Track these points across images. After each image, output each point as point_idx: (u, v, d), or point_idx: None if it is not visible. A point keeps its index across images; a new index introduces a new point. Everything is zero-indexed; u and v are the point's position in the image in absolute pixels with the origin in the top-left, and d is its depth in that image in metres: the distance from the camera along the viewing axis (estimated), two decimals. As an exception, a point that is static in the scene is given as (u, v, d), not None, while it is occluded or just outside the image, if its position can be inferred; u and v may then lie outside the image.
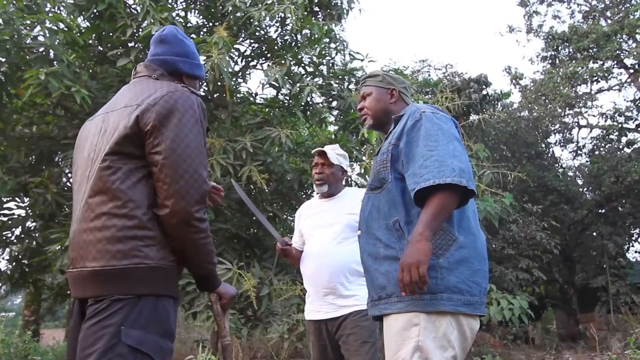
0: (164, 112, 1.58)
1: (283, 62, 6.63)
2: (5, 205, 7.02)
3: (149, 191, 1.58)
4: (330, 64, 7.51)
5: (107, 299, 1.50)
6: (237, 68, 7.58)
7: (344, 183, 3.10)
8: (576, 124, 16.10)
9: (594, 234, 15.26)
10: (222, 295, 1.85)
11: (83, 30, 6.68)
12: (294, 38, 7.37)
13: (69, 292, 7.14)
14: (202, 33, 7.14)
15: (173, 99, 1.61)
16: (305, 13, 6.87)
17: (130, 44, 6.48)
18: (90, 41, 6.98)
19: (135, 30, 6.13)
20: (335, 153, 2.98)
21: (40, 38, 5.76)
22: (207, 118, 1.75)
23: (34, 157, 7.02)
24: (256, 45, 7.59)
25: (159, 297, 1.57)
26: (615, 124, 15.10)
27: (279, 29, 7.38)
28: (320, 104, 7.41)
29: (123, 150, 1.57)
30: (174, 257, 1.62)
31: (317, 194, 3.04)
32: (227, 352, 1.91)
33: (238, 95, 7.54)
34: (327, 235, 2.81)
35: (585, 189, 15.67)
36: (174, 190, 1.55)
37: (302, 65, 7.22)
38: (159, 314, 1.55)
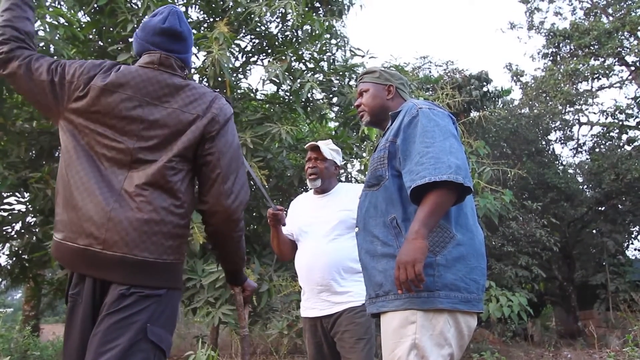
0: (222, 121, 1.77)
1: (284, 58, 6.62)
2: (5, 201, 7.01)
3: (194, 194, 1.76)
4: (331, 60, 7.49)
5: (136, 294, 1.57)
6: (237, 64, 7.57)
7: (343, 179, 3.09)
8: (577, 121, 16.08)
9: (594, 231, 15.27)
10: (245, 288, 1.99)
11: (83, 25, 6.67)
12: (295, 34, 7.36)
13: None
14: (202, 28, 7.14)
15: (228, 109, 1.81)
16: (306, 9, 6.85)
17: (130, 39, 6.45)
18: (91, 36, 6.97)
19: (135, 25, 6.12)
20: (328, 148, 2.97)
21: (41, 33, 5.74)
22: None
23: (34, 152, 7.00)
24: (257, 40, 7.58)
25: (180, 290, 1.72)
26: (616, 121, 15.09)
27: (280, 25, 7.38)
28: (320, 100, 7.39)
29: (186, 155, 1.71)
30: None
31: (311, 189, 3.03)
32: (245, 342, 2.07)
33: (238, 91, 7.53)
34: (321, 232, 2.79)
35: (585, 186, 15.66)
36: (222, 189, 1.71)
37: (303, 61, 7.21)
38: (176, 311, 1.68)
